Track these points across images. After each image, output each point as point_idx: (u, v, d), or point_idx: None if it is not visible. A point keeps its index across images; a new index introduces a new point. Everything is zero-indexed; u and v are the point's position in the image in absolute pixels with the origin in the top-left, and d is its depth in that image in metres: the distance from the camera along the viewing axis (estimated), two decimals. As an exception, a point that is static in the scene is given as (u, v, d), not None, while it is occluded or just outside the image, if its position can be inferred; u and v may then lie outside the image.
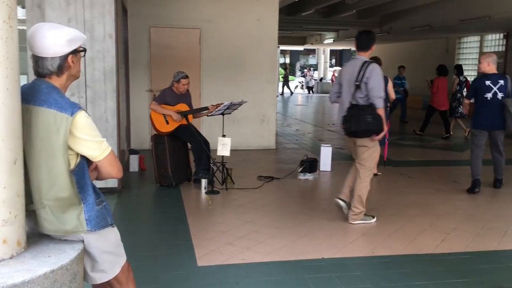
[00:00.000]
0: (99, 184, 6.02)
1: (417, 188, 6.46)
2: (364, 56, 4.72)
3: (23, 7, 6.23)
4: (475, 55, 16.73)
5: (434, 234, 4.62)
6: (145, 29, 8.68)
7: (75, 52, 2.05)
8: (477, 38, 16.85)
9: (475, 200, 5.91)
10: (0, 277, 1.71)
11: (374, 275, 3.70)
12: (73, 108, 1.96)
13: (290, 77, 32.56)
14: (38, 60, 2.00)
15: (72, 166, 2.01)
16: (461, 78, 10.93)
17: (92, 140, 2.01)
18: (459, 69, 11.08)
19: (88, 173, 2.09)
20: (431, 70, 13.80)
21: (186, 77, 6.16)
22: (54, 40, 1.96)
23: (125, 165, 7.08)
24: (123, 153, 7.09)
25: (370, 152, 4.74)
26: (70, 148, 1.98)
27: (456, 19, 12.57)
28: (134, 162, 7.07)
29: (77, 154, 2.03)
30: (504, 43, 15.42)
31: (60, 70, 2.02)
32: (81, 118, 1.97)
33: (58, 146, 1.95)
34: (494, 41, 16.13)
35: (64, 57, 2.01)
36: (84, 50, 2.12)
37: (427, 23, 13.89)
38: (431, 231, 4.71)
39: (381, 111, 4.53)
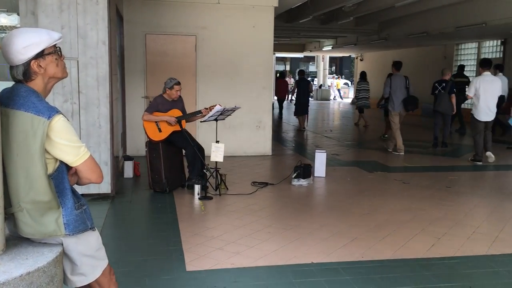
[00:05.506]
0: (93, 189, 5.98)
1: (410, 193, 6.46)
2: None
3: (18, 14, 6.28)
4: (473, 61, 16.75)
5: (425, 239, 4.62)
6: (141, 36, 8.73)
7: (39, 56, 2.01)
8: (474, 44, 16.85)
9: (467, 205, 5.91)
10: (-25, 279, 1.72)
11: (363, 279, 3.70)
12: (50, 112, 1.96)
13: None
14: (10, 68, 2.02)
15: (51, 170, 2.02)
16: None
17: (69, 144, 2.00)
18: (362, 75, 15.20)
19: (67, 177, 2.09)
20: (430, 77, 13.81)
21: (179, 83, 6.20)
22: (12, 49, 1.97)
23: (119, 171, 7.10)
24: (118, 159, 7.10)
25: None
26: (47, 152, 1.99)
27: (452, 26, 12.58)
28: (128, 168, 7.08)
29: (56, 159, 2.03)
30: (502, 49, 15.43)
31: (26, 76, 2.01)
32: (58, 122, 1.97)
33: (35, 150, 1.95)
34: (492, 47, 16.13)
35: (27, 64, 1.99)
36: (57, 50, 2.08)
37: (424, 30, 13.93)
38: (422, 236, 4.71)
39: None
